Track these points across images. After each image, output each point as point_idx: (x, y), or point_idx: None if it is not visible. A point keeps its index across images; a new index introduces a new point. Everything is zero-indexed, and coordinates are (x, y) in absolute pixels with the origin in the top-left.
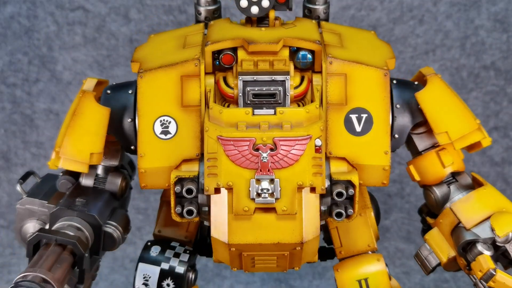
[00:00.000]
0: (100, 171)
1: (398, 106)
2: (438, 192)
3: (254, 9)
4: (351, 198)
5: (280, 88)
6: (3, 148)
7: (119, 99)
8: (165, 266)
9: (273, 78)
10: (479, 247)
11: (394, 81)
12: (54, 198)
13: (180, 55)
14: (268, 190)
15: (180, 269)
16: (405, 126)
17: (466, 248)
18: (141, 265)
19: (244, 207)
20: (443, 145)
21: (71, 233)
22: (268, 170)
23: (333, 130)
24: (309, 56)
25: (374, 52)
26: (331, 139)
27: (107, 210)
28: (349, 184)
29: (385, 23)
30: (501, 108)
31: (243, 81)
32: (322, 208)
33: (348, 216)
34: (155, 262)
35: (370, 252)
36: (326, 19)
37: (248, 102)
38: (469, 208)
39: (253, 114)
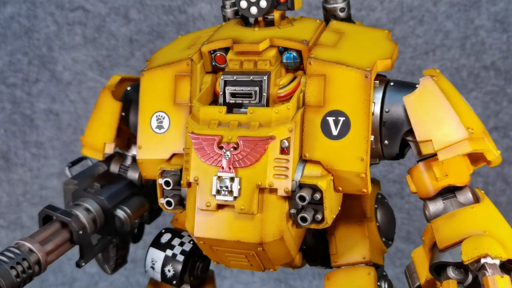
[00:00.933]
0: (129, 160)
1: (387, 110)
2: (431, 207)
3: (253, 10)
4: (320, 203)
5: (257, 88)
6: (3, 148)
7: (135, 95)
8: (169, 253)
9: (251, 78)
10: (449, 271)
11: (391, 83)
12: (91, 180)
13: (179, 55)
14: (227, 187)
15: (180, 258)
16: (396, 132)
17: (439, 270)
18: (151, 249)
19: (207, 202)
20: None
21: (76, 212)
22: (230, 168)
23: (309, 132)
24: (295, 56)
25: (368, 52)
26: (306, 142)
27: (121, 196)
28: (316, 188)
29: (385, 23)
30: (501, 108)
31: (224, 80)
32: (292, 211)
33: (317, 222)
34: (162, 248)
35: (363, 265)
36: (345, 18)
37: (227, 101)
38: (447, 227)
39: (227, 112)
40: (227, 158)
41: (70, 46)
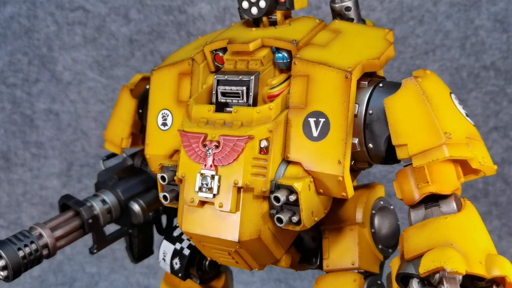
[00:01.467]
0: None
1: (371, 112)
2: (413, 215)
3: (254, 10)
4: (297, 205)
5: (244, 88)
6: (3, 148)
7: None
8: (178, 246)
9: (240, 77)
10: (412, 283)
11: (381, 85)
12: (114, 173)
13: (185, 55)
14: (207, 185)
15: (187, 252)
16: (379, 135)
17: (407, 281)
18: (163, 241)
19: (191, 198)
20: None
21: (92, 202)
22: (211, 166)
23: (292, 133)
24: (285, 56)
25: (356, 52)
26: (289, 142)
27: (137, 189)
28: (292, 190)
29: (385, 23)
30: (501, 108)
31: (217, 79)
32: (272, 211)
33: (294, 224)
34: (173, 241)
35: (354, 271)
36: (353, 18)
37: (219, 100)
38: (417, 236)
39: (218, 111)
40: (209, 156)
41: (70, 46)
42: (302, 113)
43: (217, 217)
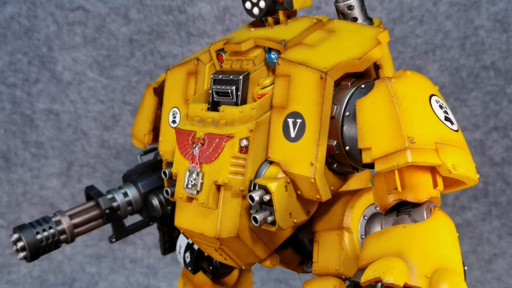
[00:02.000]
0: None
1: (348, 114)
2: (384, 223)
3: (255, 10)
4: (271, 205)
5: (233, 87)
6: (3, 148)
7: None
8: (190, 240)
9: (231, 77)
10: None
11: (363, 86)
12: (140, 168)
13: (195, 55)
14: (192, 181)
15: (196, 246)
16: (356, 138)
17: None
18: (180, 235)
19: (180, 194)
20: (400, 166)
21: (114, 194)
22: (196, 163)
23: (273, 133)
24: (275, 56)
25: (340, 52)
26: (270, 143)
27: (157, 184)
28: (267, 190)
29: (385, 23)
30: (501, 108)
31: (213, 79)
32: (251, 211)
33: (270, 224)
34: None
35: (340, 277)
36: (357, 17)
37: (214, 99)
38: (374, 244)
39: (212, 110)
40: (196, 153)
41: (70, 46)
42: (283, 114)
43: (201, 213)
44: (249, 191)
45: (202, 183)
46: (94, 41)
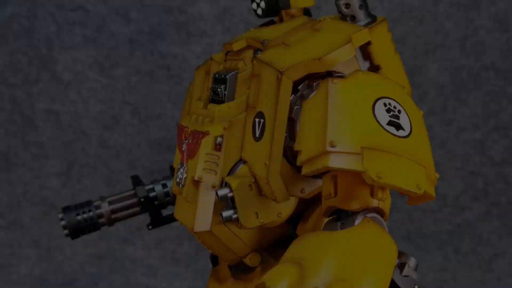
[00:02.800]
0: None
1: None
2: (324, 227)
3: (259, 11)
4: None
5: (222, 86)
6: (3, 148)
7: None
8: None
9: (222, 76)
10: None
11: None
12: None
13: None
14: (179, 176)
15: None
16: None
17: None
18: None
19: (174, 187)
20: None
21: (153, 185)
22: (184, 158)
23: (245, 133)
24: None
25: (308, 51)
26: (243, 142)
27: None
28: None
29: None
30: (501, 108)
31: (213, 77)
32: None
33: (235, 221)
34: None
35: None
36: (356, 16)
37: (212, 97)
38: (291, 248)
39: (203, 108)
40: (184, 149)
41: (70, 46)
42: (253, 113)
43: (187, 207)
44: (220, 188)
45: (185, 178)
46: (94, 41)
